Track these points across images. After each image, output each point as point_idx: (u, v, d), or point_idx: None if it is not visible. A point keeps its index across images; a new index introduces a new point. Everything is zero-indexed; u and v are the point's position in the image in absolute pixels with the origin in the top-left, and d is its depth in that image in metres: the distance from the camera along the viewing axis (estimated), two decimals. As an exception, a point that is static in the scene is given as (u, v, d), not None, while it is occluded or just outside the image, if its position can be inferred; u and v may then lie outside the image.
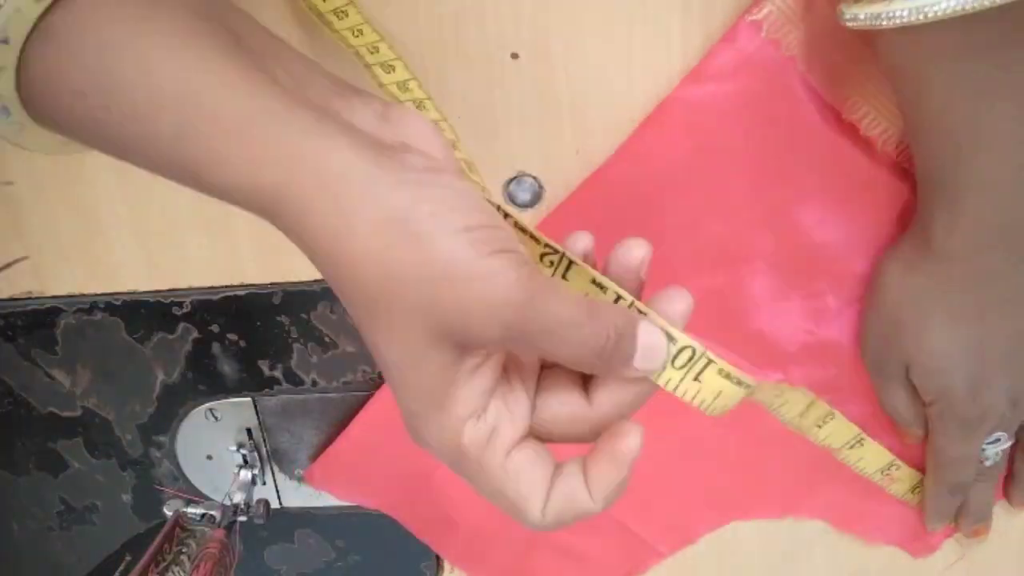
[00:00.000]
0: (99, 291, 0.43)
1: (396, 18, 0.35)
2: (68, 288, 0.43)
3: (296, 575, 0.52)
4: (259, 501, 0.44)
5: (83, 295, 0.43)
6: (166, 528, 0.38)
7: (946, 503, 0.40)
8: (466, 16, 0.35)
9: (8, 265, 0.42)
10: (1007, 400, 0.36)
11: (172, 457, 0.48)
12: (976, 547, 0.44)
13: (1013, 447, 0.39)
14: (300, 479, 0.47)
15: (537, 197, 0.39)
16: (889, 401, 0.38)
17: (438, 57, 0.36)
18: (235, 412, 0.46)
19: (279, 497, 0.48)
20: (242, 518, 0.44)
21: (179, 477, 0.48)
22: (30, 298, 0.43)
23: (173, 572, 0.37)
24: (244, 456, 0.45)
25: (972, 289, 0.34)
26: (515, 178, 0.38)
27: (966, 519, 0.41)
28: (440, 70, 0.36)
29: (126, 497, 0.50)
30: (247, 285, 0.42)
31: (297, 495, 0.48)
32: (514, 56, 0.36)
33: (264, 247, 0.41)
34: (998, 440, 0.38)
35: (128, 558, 0.36)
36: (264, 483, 0.47)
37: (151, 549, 0.36)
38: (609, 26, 0.35)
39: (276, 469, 0.47)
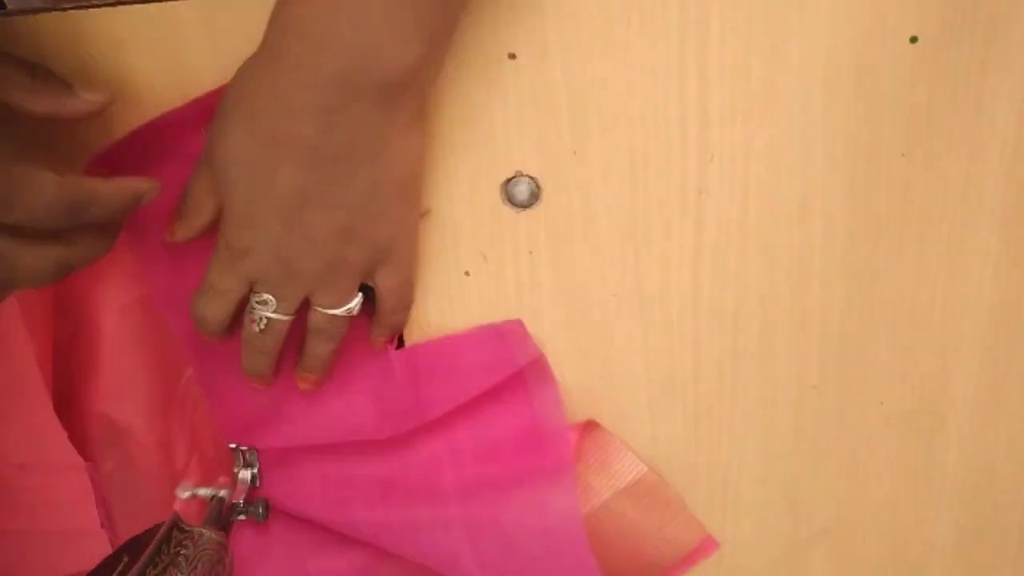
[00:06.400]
0: (97, 292, 0.43)
1: (394, 19, 0.35)
2: (66, 289, 0.43)
3: None
4: (259, 500, 0.44)
5: (81, 296, 0.43)
6: (163, 530, 0.38)
7: (200, 312, 0.37)
8: (463, 17, 0.35)
9: (6, 266, 0.42)
10: (273, 254, 0.34)
11: (170, 459, 0.48)
12: (976, 547, 0.44)
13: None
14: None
15: (535, 197, 0.39)
16: (191, 182, 0.36)
17: (436, 57, 0.36)
18: (233, 413, 0.46)
19: (277, 499, 0.48)
20: (241, 517, 0.44)
21: (177, 479, 0.48)
22: (28, 300, 0.43)
23: (171, 574, 0.36)
24: (243, 454, 0.45)
25: (282, 100, 0.31)
26: (513, 178, 0.38)
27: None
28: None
29: (124, 499, 0.50)
30: (245, 286, 0.42)
31: (295, 497, 0.48)
32: (511, 56, 0.36)
33: (262, 248, 0.41)
34: (265, 303, 0.36)
35: (125, 559, 0.36)
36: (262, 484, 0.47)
37: (148, 551, 0.36)
38: (607, 26, 0.35)
39: (274, 471, 0.47)
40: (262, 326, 0.37)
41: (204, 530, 0.38)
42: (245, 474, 0.44)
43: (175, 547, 0.37)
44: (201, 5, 0.36)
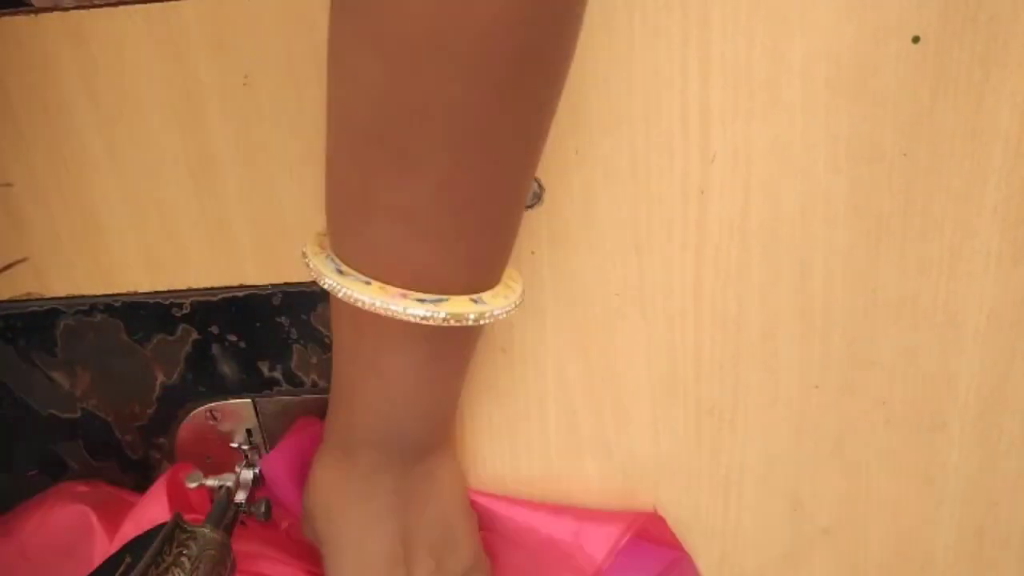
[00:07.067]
0: (99, 292, 0.43)
1: (395, 18, 0.35)
2: (68, 289, 0.43)
3: None
4: (260, 500, 0.44)
5: (83, 296, 0.43)
6: (166, 530, 0.38)
7: None
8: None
9: (8, 267, 0.42)
10: None
11: (172, 459, 0.48)
12: (978, 547, 0.44)
13: None
14: (300, 480, 0.47)
15: (537, 197, 0.39)
16: None
17: (437, 57, 0.36)
18: (235, 413, 0.46)
19: (279, 498, 0.48)
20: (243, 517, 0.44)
21: (179, 479, 0.48)
22: (29, 300, 0.43)
23: (173, 574, 0.36)
24: (245, 453, 0.45)
25: (372, 479, 0.37)
26: (515, 178, 0.38)
27: None
28: (439, 70, 0.36)
29: (126, 499, 0.50)
30: (247, 286, 0.42)
31: (297, 496, 0.48)
32: (513, 56, 0.36)
33: (264, 247, 0.41)
34: None
35: (128, 560, 0.36)
36: (264, 484, 0.47)
37: (151, 551, 0.36)
38: (609, 25, 0.35)
39: (276, 470, 0.47)
40: None
41: (207, 530, 0.38)
42: (247, 473, 0.44)
43: (177, 547, 0.37)
44: (202, 5, 0.36)
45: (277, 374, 0.45)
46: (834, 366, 0.41)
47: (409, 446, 0.37)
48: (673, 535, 0.45)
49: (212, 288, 0.42)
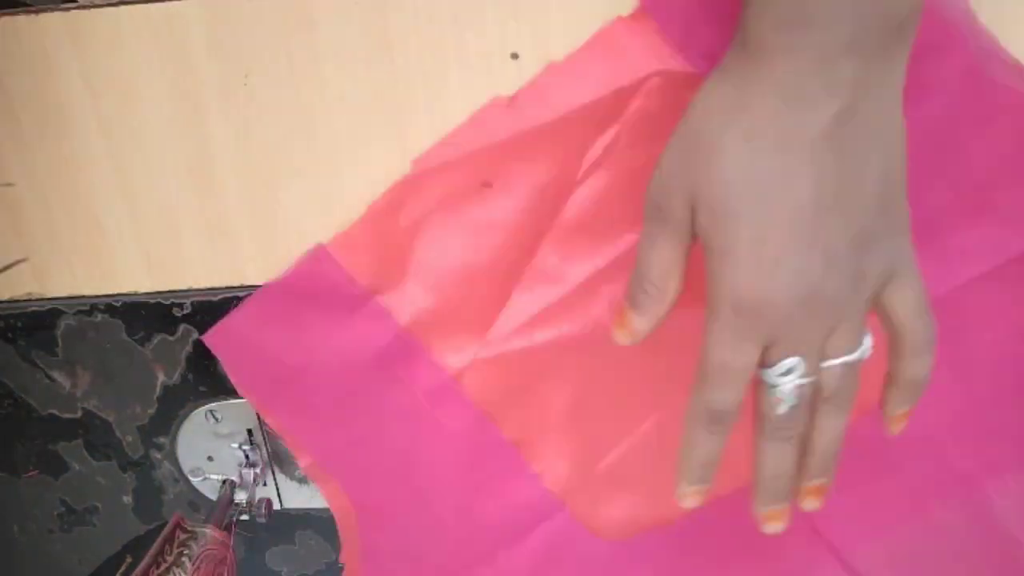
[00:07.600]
0: (99, 292, 0.43)
1: (395, 18, 0.36)
2: (68, 290, 0.43)
3: (297, 576, 0.52)
4: (261, 500, 0.44)
5: (83, 297, 0.43)
6: (167, 530, 0.38)
7: (700, 440, 0.29)
8: (466, 16, 0.35)
9: (8, 267, 0.42)
10: (793, 293, 0.26)
11: (173, 459, 0.48)
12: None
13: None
14: (301, 480, 0.47)
15: (537, 197, 0.39)
16: (643, 250, 0.29)
17: (438, 58, 0.36)
18: (236, 413, 0.46)
19: (280, 498, 0.48)
20: (244, 516, 0.44)
21: (180, 479, 0.48)
22: (30, 300, 0.43)
23: (174, 573, 0.36)
24: (246, 453, 0.45)
25: (785, 95, 0.25)
26: (515, 178, 0.38)
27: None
28: (440, 70, 0.36)
29: (126, 499, 0.50)
30: (247, 286, 0.42)
31: (298, 496, 0.48)
32: (514, 56, 0.36)
33: (264, 247, 0.41)
34: (790, 370, 0.27)
35: (129, 559, 0.36)
36: (264, 484, 0.47)
37: (152, 551, 0.36)
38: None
39: (276, 470, 0.47)
40: (793, 401, 0.28)
41: (207, 530, 0.38)
42: (248, 472, 0.45)
43: (178, 547, 0.38)
44: (202, 5, 0.36)
45: (277, 374, 0.45)
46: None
47: (876, 24, 0.24)
48: None
49: (212, 288, 0.42)
